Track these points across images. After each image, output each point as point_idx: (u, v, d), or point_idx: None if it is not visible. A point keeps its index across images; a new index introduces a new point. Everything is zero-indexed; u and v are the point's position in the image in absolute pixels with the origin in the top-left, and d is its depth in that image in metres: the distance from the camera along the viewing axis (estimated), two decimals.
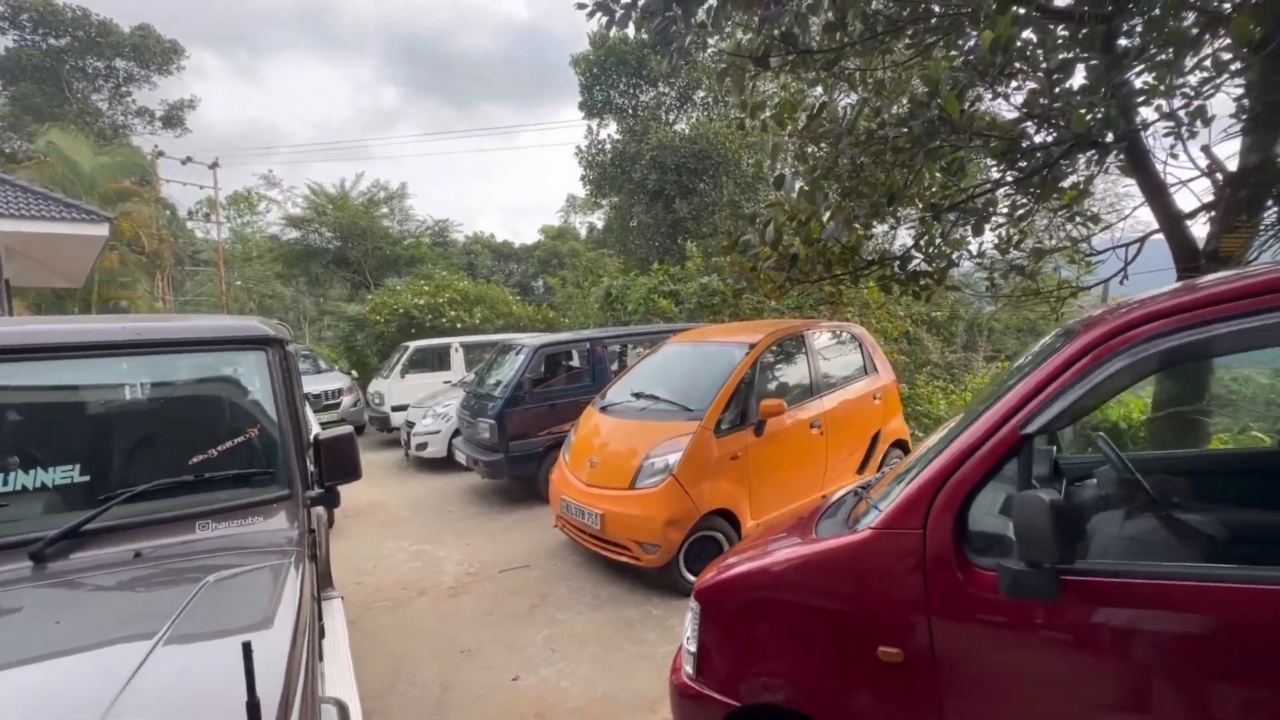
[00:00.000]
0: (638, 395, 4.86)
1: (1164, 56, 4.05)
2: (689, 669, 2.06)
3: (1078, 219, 5.81)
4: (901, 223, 5.47)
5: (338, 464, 2.29)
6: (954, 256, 5.45)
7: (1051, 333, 1.83)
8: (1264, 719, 1.25)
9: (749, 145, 15.96)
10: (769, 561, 1.93)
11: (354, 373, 12.98)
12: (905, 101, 4.81)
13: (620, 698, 3.09)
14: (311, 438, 2.46)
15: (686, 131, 16.91)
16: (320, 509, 3.60)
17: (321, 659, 2.41)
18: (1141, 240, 5.06)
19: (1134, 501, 1.99)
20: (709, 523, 4.13)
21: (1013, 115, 4.74)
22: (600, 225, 26.16)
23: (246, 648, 0.97)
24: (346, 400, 10.79)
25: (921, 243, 5.10)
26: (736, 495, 4.20)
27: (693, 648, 2.05)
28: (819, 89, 6.30)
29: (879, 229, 5.94)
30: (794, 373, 4.97)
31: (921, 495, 1.58)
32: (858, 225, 5.02)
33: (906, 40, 4.92)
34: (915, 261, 4.93)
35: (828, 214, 4.36)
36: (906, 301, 9.91)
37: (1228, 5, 3.88)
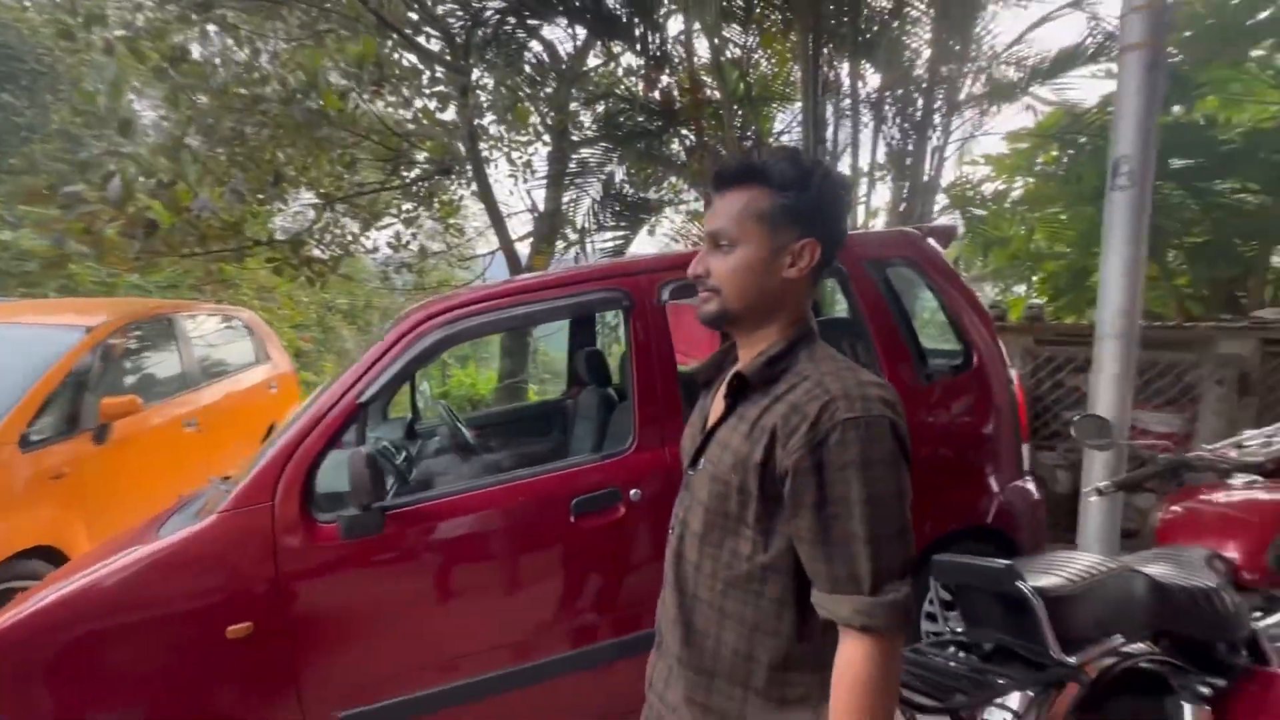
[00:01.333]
0: None
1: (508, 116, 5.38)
2: None
3: (452, 230, 7.06)
4: (290, 204, 5.36)
5: None
6: (350, 247, 5.74)
7: (388, 323, 2.24)
8: (514, 574, 1.91)
9: (95, 64, 11.89)
10: (89, 582, 1.62)
11: None
12: (294, 81, 4.71)
13: None
14: None
15: None
16: None
17: None
18: (493, 253, 6.63)
19: (456, 446, 2.68)
20: (17, 569, 3.02)
21: (406, 124, 5.34)
22: None
23: None
24: None
25: (316, 230, 5.14)
26: (64, 524, 3.22)
27: None
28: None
29: (297, 207, 5.60)
30: (159, 363, 4.15)
31: (271, 470, 1.68)
32: (256, 199, 4.63)
33: (300, 16, 4.79)
34: (308, 247, 4.94)
35: (197, 178, 3.83)
36: (327, 290, 9.74)
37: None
